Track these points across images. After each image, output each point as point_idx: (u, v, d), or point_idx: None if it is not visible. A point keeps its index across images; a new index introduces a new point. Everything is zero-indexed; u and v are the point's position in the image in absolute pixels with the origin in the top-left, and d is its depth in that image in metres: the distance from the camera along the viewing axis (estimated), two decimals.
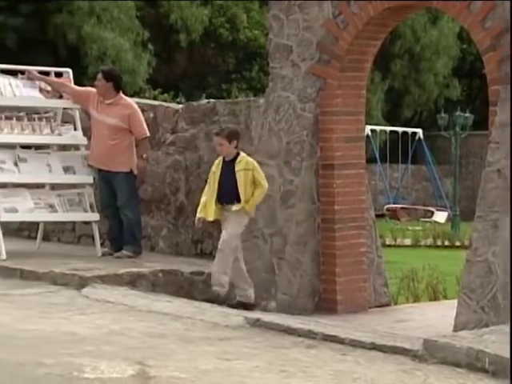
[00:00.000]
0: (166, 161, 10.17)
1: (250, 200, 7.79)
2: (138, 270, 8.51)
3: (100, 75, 9.56)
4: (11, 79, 9.66)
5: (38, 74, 9.82)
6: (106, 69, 10.16)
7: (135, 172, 9.48)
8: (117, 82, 9.57)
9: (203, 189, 9.83)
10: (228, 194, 7.80)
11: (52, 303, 7.32)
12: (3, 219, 9.19)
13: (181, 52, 27.13)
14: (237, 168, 7.79)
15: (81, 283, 8.05)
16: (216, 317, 6.96)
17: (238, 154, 7.86)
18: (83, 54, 24.58)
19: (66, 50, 24.59)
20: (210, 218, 7.93)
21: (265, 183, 7.85)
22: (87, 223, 10.07)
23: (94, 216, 9.69)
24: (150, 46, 25.47)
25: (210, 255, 9.63)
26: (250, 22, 27.47)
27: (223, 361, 5.55)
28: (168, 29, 26.39)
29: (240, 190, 7.75)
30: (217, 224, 9.70)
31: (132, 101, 9.87)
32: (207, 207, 7.91)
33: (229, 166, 7.82)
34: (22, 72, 9.86)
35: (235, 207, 7.79)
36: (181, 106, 10.61)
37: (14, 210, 9.27)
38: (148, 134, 9.54)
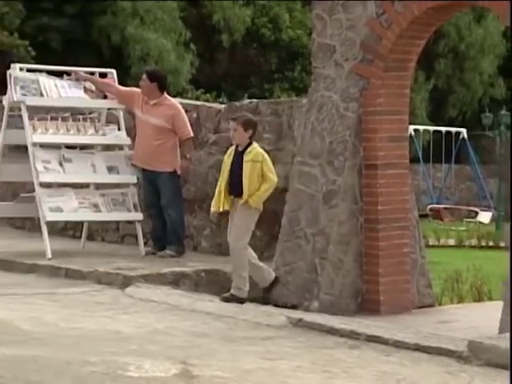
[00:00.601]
0: (209, 160, 10.20)
1: (255, 194, 7.51)
2: (181, 269, 8.56)
3: (144, 76, 9.62)
4: (57, 80, 9.77)
5: (85, 74, 9.91)
6: (150, 69, 10.24)
7: (179, 172, 9.53)
8: (161, 83, 9.62)
9: None
10: (236, 185, 7.56)
11: (96, 302, 7.39)
12: (49, 219, 9.29)
13: (223, 52, 27.20)
14: (245, 158, 7.51)
15: (124, 282, 8.11)
16: (258, 316, 6.97)
17: (249, 144, 7.59)
18: (126, 55, 24.77)
19: (109, 51, 24.79)
20: (221, 210, 7.70)
21: (273, 177, 7.56)
22: (131, 223, 10.14)
23: (138, 215, 9.75)
24: (193, 47, 25.59)
25: None
26: (293, 21, 27.44)
27: (266, 360, 5.56)
28: (210, 29, 26.47)
29: (244, 183, 7.48)
30: (259, 224, 9.72)
31: (176, 101, 9.93)
32: (220, 198, 7.70)
33: (239, 156, 7.58)
34: (68, 73, 9.96)
35: (240, 201, 7.57)
36: (223, 106, 10.64)
37: (59, 210, 9.37)
38: (192, 135, 9.59)
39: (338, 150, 8.40)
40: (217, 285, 8.48)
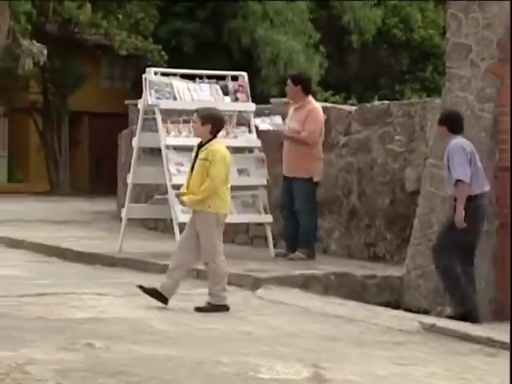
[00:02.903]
0: (339, 163, 10.18)
1: (196, 192, 7.05)
2: (311, 272, 8.56)
3: (289, 80, 9.68)
4: (189, 83, 9.96)
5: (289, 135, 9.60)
6: (294, 73, 10.40)
7: (316, 179, 9.52)
8: (305, 85, 9.66)
9: (377, 191, 9.80)
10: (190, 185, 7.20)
11: (228, 303, 7.47)
12: (181, 220, 9.44)
13: (353, 53, 27.05)
14: (199, 156, 7.13)
15: (255, 284, 8.18)
16: (390, 321, 6.91)
17: (208, 141, 7.13)
18: (256, 57, 24.96)
19: (239, 54, 25.05)
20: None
21: (214, 178, 6.98)
22: (260, 224, 10.22)
23: (268, 218, 9.82)
24: (322, 48, 25.55)
25: (383, 259, 9.57)
26: (425, 21, 27.04)
27: (398, 366, 5.50)
28: (340, 30, 26.37)
29: (192, 180, 7.11)
30: (389, 227, 9.63)
31: (317, 105, 9.85)
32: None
33: (198, 153, 7.19)
34: (200, 76, 10.13)
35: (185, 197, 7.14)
36: (354, 107, 10.59)
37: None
38: (308, 141, 9.45)
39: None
40: (346, 288, 8.44)
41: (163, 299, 7.09)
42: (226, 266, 7.25)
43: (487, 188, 7.92)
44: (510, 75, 8.18)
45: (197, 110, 7.35)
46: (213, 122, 7.14)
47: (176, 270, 7.17)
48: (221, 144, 7.31)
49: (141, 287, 7.19)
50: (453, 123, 7.92)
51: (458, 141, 7.85)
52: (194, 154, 7.28)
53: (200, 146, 7.22)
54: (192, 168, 7.22)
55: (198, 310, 7.07)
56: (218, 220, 7.16)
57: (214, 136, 7.17)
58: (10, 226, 13.64)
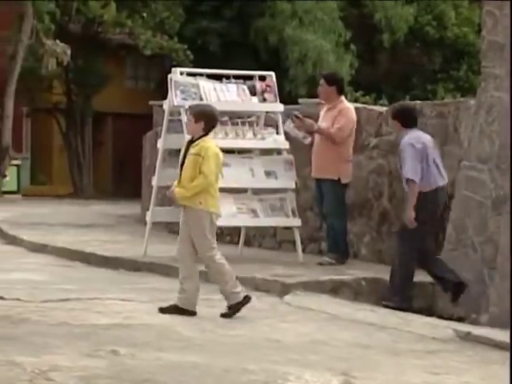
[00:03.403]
0: (369, 165, 10.15)
1: (184, 187, 7.04)
2: (340, 277, 8.54)
3: (322, 80, 9.65)
4: (216, 84, 9.97)
5: (312, 124, 9.60)
6: (328, 73, 10.33)
7: (344, 181, 9.50)
8: (339, 86, 9.65)
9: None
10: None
11: (254, 309, 7.47)
12: None
13: (384, 52, 26.97)
14: (190, 151, 7.13)
15: (283, 290, 8.17)
16: (423, 328, 6.87)
17: (200, 137, 7.14)
18: (284, 57, 24.95)
19: (266, 53, 25.06)
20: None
21: (208, 175, 6.98)
22: (288, 228, 10.21)
23: (296, 221, 9.81)
24: (353, 47, 25.50)
25: None
26: (459, 18, 26.90)
27: (432, 375, 5.47)
28: (371, 29, 26.30)
29: (183, 175, 7.10)
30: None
31: (349, 105, 9.84)
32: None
33: (189, 149, 7.18)
34: (227, 76, 10.14)
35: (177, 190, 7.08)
36: (385, 108, 10.55)
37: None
38: (336, 138, 9.46)
39: (508, 153, 8.16)
40: (378, 294, 8.41)
41: (189, 312, 7.10)
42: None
43: (441, 183, 8.13)
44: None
45: (189, 107, 7.34)
46: (206, 119, 7.17)
47: (186, 280, 7.17)
48: (212, 141, 7.32)
49: (161, 310, 7.17)
50: (405, 117, 8.18)
51: (411, 136, 8.08)
52: (183, 150, 7.26)
53: (190, 142, 7.21)
54: (181, 164, 7.20)
55: (224, 316, 7.06)
56: (211, 219, 7.14)
57: (206, 133, 7.19)
58: (33, 229, 13.73)
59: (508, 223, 7.45)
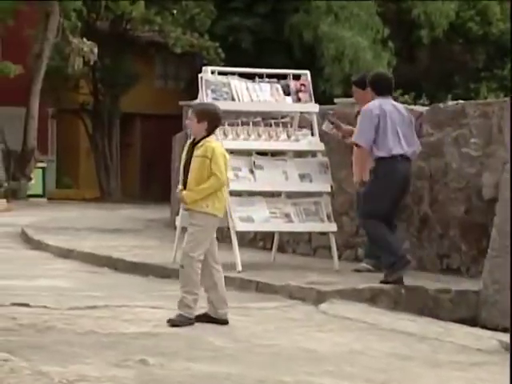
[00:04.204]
0: None
1: (194, 189, 7.00)
2: (378, 285, 8.51)
3: (353, 87, 9.62)
4: (248, 83, 9.97)
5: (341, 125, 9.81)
6: (357, 78, 10.08)
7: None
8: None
9: (450, 199, 9.70)
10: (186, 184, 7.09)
11: (289, 318, 7.47)
12: (239, 229, 9.49)
13: (423, 49, 26.90)
14: (195, 153, 7.04)
15: (318, 298, 8.15)
16: (466, 339, 6.83)
17: (203, 138, 7.05)
18: (319, 55, 24.96)
19: (301, 51, 25.08)
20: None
21: (220, 175, 6.94)
22: (324, 234, 10.20)
23: (331, 226, 9.79)
24: (390, 44, 25.43)
25: (458, 271, 9.47)
26: (504, 13, 26.72)
27: None
28: (410, 25, 26.24)
29: (190, 177, 7.02)
30: (465, 237, 9.53)
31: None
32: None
33: (193, 151, 7.08)
34: (260, 75, 10.14)
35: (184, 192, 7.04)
36: (425, 108, 10.51)
37: (250, 220, 9.55)
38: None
39: None
40: (418, 303, 8.37)
41: (222, 321, 7.11)
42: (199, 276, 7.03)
43: (398, 152, 8.53)
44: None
45: (192, 106, 7.28)
46: (209, 118, 7.08)
47: (209, 292, 7.15)
48: (217, 141, 7.29)
49: (197, 318, 7.10)
50: (379, 85, 8.76)
51: (375, 102, 8.68)
52: (185, 152, 7.18)
53: (193, 143, 7.14)
54: (184, 167, 7.13)
55: (168, 321, 6.93)
56: (215, 223, 7.11)
57: (209, 134, 7.11)
58: (59, 234, 13.83)
59: None
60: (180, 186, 7.24)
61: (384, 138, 8.48)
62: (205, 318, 7.10)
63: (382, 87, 8.76)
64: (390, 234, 8.62)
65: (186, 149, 7.23)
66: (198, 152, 7.04)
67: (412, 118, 8.98)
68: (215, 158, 6.99)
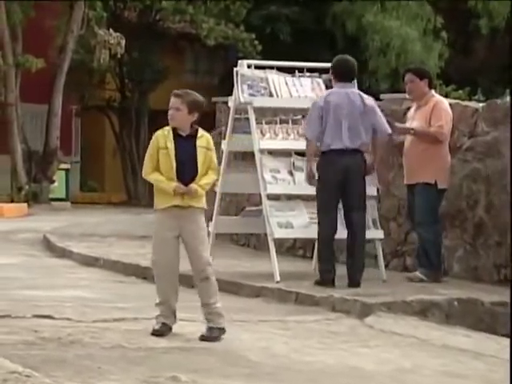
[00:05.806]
0: (463, 169, 10.08)
1: (201, 184, 7.18)
2: (429, 297, 8.50)
3: (411, 75, 9.59)
4: (287, 77, 10.00)
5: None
6: (416, 67, 10.44)
7: (440, 186, 9.45)
8: (430, 78, 9.66)
9: (508, 203, 9.64)
10: (184, 174, 7.18)
11: (331, 332, 7.49)
12: (277, 236, 9.50)
13: (480, 40, 26.76)
14: (199, 143, 7.13)
15: (363, 311, 8.16)
16: None
17: (197, 130, 7.18)
18: (363, 46, 24.93)
19: (344, 42, 25.06)
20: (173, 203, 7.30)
21: (218, 170, 7.43)
22: (369, 241, 10.18)
23: (378, 233, 9.78)
24: (443, 35, 25.32)
25: None
26: None
27: None
28: (465, 14, 26.11)
29: (199, 171, 7.16)
30: (499, 236, 9.48)
31: (441, 98, 9.82)
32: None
33: (187, 142, 7.13)
34: (300, 69, 10.16)
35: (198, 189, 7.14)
36: (481, 104, 10.48)
37: (290, 226, 9.55)
38: (440, 136, 9.44)
39: None
40: (472, 317, 8.35)
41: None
42: None
43: (335, 146, 8.93)
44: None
45: (178, 95, 7.21)
46: (199, 111, 7.19)
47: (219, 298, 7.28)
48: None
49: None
50: (336, 70, 9.14)
51: (327, 92, 9.22)
52: (171, 143, 7.15)
53: (178, 134, 7.15)
54: (179, 157, 7.16)
55: (202, 338, 7.00)
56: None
57: (192, 126, 7.19)
58: (84, 241, 13.94)
59: None
60: (178, 185, 7.19)
61: (325, 131, 8.95)
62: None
63: (342, 72, 9.11)
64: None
65: (169, 139, 7.15)
66: (202, 143, 7.18)
67: (373, 106, 9.14)
68: (213, 151, 7.26)
